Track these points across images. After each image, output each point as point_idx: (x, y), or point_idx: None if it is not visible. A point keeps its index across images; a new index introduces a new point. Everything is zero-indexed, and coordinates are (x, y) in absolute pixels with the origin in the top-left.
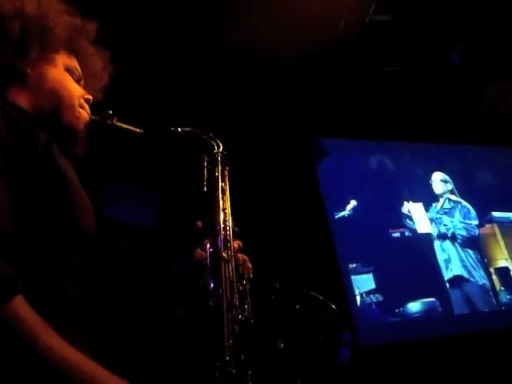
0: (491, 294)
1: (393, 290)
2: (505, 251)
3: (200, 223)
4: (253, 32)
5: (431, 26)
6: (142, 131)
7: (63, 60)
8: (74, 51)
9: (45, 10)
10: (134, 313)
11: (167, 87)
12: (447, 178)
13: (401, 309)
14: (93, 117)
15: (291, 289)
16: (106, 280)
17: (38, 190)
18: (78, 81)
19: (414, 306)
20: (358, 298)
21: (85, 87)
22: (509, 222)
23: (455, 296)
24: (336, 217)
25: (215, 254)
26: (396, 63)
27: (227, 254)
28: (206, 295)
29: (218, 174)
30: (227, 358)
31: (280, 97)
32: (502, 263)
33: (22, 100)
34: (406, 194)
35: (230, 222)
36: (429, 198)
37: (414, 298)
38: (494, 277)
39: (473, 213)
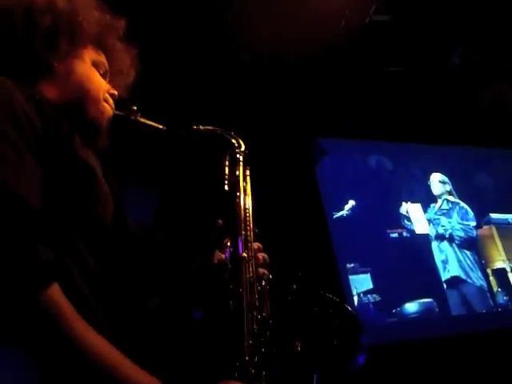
0: (488, 295)
1: (390, 290)
2: (502, 252)
3: (221, 222)
4: (253, 31)
5: (431, 26)
6: (164, 127)
7: (91, 55)
8: (101, 47)
9: (75, 5)
10: (148, 312)
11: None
12: (445, 179)
13: (398, 309)
14: (117, 112)
15: (308, 291)
16: (117, 276)
17: (62, 176)
18: (104, 75)
19: (412, 307)
20: (356, 298)
21: (111, 83)
22: (507, 224)
23: (452, 297)
24: (334, 217)
25: (236, 253)
26: (396, 63)
27: (247, 254)
28: (226, 295)
29: (240, 173)
30: (246, 358)
31: (279, 96)
32: (499, 264)
33: (49, 92)
34: (404, 195)
35: (251, 223)
36: (427, 199)
37: (412, 299)
38: (491, 278)
39: (471, 214)
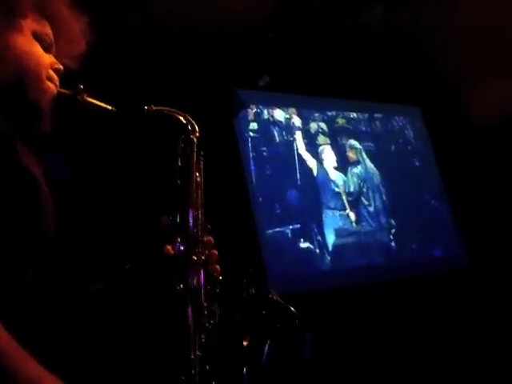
0: None
1: None
2: None
3: (167, 218)
4: None
5: None
6: (114, 108)
7: (31, 26)
8: (45, 14)
9: None
10: (92, 295)
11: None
12: None
13: None
14: (62, 90)
15: (258, 295)
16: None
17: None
18: (47, 48)
19: None
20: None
21: (58, 54)
22: None
23: None
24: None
25: (185, 254)
26: None
27: (198, 255)
28: (173, 299)
29: (193, 163)
30: (193, 372)
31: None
32: None
33: None
34: None
35: (202, 219)
36: None
37: None
38: None
39: None
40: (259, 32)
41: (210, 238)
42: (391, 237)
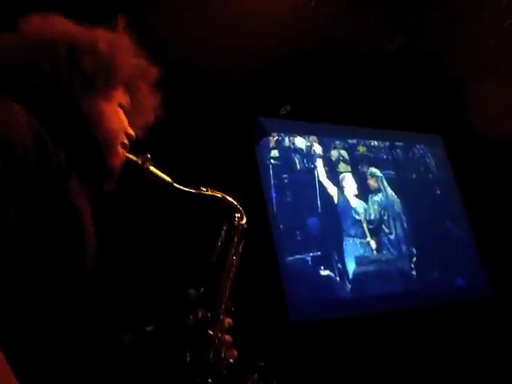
0: None
1: None
2: None
3: (195, 292)
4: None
5: None
6: (172, 182)
7: (119, 97)
8: (128, 87)
9: (115, 48)
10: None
11: None
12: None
13: None
14: (130, 156)
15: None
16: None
17: (47, 218)
18: (125, 114)
19: None
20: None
21: (130, 123)
22: None
23: None
24: None
25: (201, 327)
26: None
27: (214, 332)
28: (179, 370)
29: (233, 246)
30: None
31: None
32: None
33: (71, 129)
34: None
35: (228, 299)
36: None
37: None
38: None
39: None
40: (282, 62)
41: (230, 320)
42: (412, 265)
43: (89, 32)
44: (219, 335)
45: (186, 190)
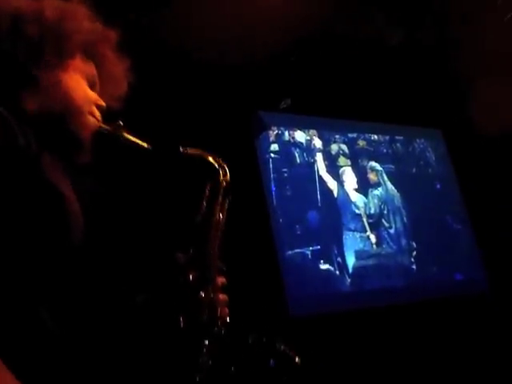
0: None
1: None
2: None
3: (183, 255)
4: None
5: None
6: (149, 147)
7: (78, 65)
8: (91, 56)
9: (65, 15)
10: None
11: None
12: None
13: None
14: (103, 126)
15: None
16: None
17: (26, 199)
18: (92, 86)
19: None
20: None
21: (101, 93)
22: None
23: None
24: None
25: (193, 290)
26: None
27: (206, 293)
28: (173, 331)
29: (217, 204)
30: None
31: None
32: None
33: (31, 104)
34: None
35: (218, 259)
36: None
37: None
38: None
39: None
40: (282, 56)
41: (223, 279)
42: (412, 259)
43: (35, 3)
44: (212, 296)
45: (164, 152)
